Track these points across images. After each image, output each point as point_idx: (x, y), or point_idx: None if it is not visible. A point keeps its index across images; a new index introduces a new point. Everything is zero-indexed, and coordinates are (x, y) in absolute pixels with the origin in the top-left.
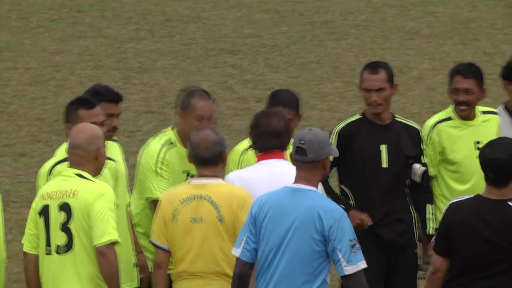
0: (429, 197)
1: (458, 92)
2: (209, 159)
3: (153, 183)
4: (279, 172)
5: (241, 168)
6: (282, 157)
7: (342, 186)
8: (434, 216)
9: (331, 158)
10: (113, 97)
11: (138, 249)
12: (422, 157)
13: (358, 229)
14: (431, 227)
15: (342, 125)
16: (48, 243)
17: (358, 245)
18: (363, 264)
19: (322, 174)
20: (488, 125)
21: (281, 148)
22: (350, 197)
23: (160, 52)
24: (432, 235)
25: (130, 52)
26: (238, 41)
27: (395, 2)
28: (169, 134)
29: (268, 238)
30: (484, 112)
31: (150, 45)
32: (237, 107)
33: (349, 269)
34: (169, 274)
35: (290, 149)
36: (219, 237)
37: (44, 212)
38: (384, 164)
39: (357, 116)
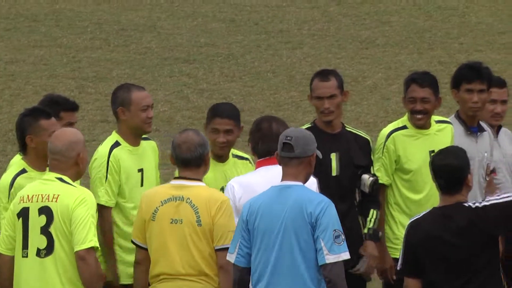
0: (376, 205)
1: (415, 101)
2: (190, 161)
3: (101, 189)
4: (279, 180)
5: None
6: None
7: None
8: (376, 221)
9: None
10: (72, 106)
11: None
12: (371, 167)
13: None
14: (369, 228)
15: None
16: (25, 246)
17: (343, 236)
18: (345, 255)
19: (308, 171)
20: (442, 134)
21: None
22: None
23: (116, 61)
24: (368, 234)
25: (85, 61)
26: (194, 50)
27: (350, 12)
28: (114, 137)
29: (262, 238)
30: (438, 122)
31: (106, 54)
32: (192, 117)
33: (330, 258)
34: None
35: None
36: (197, 239)
37: (23, 214)
38: (334, 172)
39: (307, 125)
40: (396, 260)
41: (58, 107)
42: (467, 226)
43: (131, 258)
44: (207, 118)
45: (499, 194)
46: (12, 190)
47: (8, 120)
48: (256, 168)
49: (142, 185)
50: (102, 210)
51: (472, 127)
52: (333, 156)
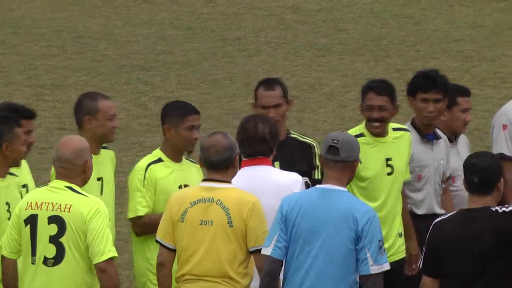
0: None
1: (372, 109)
2: (219, 164)
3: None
4: (261, 181)
5: (144, 184)
6: (267, 163)
7: None
8: None
9: None
10: (30, 114)
11: None
12: (315, 172)
13: None
14: None
15: None
16: (33, 253)
17: (384, 247)
18: (387, 266)
19: (350, 176)
20: (399, 142)
21: (266, 154)
22: None
23: (72, 69)
24: None
25: (42, 69)
26: (150, 57)
27: (307, 19)
28: None
29: (301, 237)
30: (395, 129)
31: (62, 62)
32: (149, 124)
33: (374, 269)
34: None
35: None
36: (227, 241)
37: (31, 221)
38: None
39: None
40: None
41: (19, 114)
42: (490, 230)
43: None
44: (177, 116)
45: None
46: None
47: None
48: (241, 167)
49: (102, 193)
50: None
51: (427, 135)
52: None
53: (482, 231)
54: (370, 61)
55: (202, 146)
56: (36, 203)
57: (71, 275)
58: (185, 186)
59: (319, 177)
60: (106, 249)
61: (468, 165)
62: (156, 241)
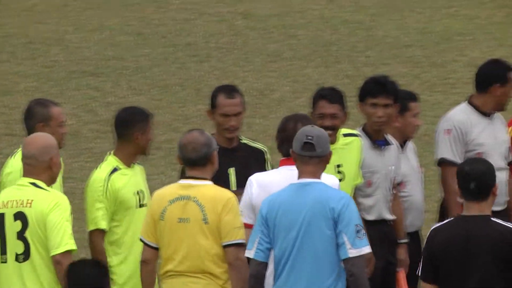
0: None
1: (324, 117)
2: (196, 161)
3: None
4: (295, 175)
5: (107, 195)
6: None
7: None
8: None
9: None
10: None
11: None
12: None
13: None
14: None
15: None
16: (3, 251)
17: (363, 231)
18: (367, 249)
19: (324, 168)
20: (349, 148)
21: None
22: None
23: (23, 75)
24: None
25: None
26: (101, 63)
27: (257, 25)
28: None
29: (283, 235)
30: (346, 135)
31: (13, 67)
32: (99, 130)
33: (353, 252)
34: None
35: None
36: (204, 237)
37: (0, 220)
38: (233, 187)
39: None
40: None
41: None
42: (487, 243)
43: None
44: (144, 121)
45: None
46: None
47: None
48: (280, 166)
49: None
50: None
51: (377, 141)
52: (231, 171)
53: (480, 242)
54: (320, 67)
55: (180, 143)
56: (3, 202)
57: (41, 269)
58: (139, 192)
59: None
60: (63, 242)
61: (464, 173)
62: (140, 239)
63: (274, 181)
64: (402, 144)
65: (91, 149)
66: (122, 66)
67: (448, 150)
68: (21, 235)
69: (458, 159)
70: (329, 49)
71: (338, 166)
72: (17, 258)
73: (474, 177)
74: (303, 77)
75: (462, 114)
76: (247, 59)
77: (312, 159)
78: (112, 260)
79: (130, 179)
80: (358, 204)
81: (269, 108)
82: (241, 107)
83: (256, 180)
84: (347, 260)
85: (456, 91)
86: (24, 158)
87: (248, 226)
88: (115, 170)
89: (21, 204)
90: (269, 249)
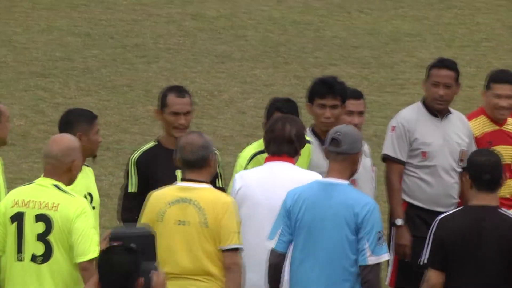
0: None
1: None
2: (194, 163)
3: None
4: (277, 170)
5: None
6: (290, 161)
7: None
8: None
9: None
10: None
11: None
12: (217, 180)
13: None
14: None
15: (137, 154)
16: (19, 250)
17: (383, 238)
18: (386, 257)
19: (352, 169)
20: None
21: (291, 154)
22: None
23: None
24: None
25: None
26: (49, 64)
27: (206, 26)
28: None
29: (304, 230)
30: None
31: None
32: (48, 131)
33: (372, 260)
34: None
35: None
36: (204, 240)
37: (18, 219)
38: None
39: (151, 144)
40: None
41: None
42: (497, 233)
43: None
44: (86, 122)
45: None
46: None
47: None
48: (265, 163)
49: None
50: None
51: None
52: (178, 173)
53: (491, 231)
54: (269, 68)
55: (178, 145)
56: (23, 200)
57: (60, 271)
58: (89, 194)
59: (222, 185)
60: (91, 249)
61: (478, 163)
62: None
63: (253, 175)
64: None
65: (40, 150)
66: (70, 67)
67: (390, 147)
68: (42, 237)
69: (400, 156)
70: (278, 50)
71: None
72: (34, 259)
73: (489, 168)
74: (252, 78)
75: (410, 112)
76: (196, 60)
77: (338, 156)
78: None
79: (78, 182)
80: None
81: (218, 109)
82: (190, 106)
83: (240, 175)
84: (365, 267)
85: (405, 92)
86: (46, 157)
87: None
88: None
89: (45, 206)
90: (290, 241)
